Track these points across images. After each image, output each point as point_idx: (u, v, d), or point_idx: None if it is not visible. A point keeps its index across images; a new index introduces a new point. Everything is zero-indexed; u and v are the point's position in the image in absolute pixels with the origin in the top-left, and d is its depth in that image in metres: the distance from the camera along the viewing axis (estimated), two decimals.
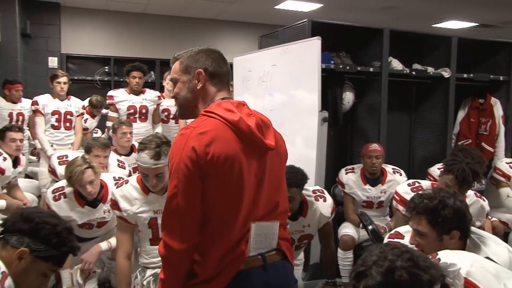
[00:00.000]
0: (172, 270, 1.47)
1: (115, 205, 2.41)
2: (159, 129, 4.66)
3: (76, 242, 1.60)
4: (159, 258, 1.54)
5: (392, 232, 2.04)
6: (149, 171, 2.23)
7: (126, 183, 2.43)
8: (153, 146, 2.21)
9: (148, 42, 7.90)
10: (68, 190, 2.77)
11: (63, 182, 2.85)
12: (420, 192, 1.89)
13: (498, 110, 4.25)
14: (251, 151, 1.48)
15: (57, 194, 2.76)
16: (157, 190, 2.32)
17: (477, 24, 8.40)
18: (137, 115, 4.55)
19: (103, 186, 2.85)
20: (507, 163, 3.82)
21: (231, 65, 5.11)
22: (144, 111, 4.59)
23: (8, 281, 1.36)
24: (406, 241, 1.83)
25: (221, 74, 1.58)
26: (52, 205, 2.72)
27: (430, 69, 4.02)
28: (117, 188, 2.44)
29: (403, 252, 1.12)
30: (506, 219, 3.69)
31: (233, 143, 1.44)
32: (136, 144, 4.03)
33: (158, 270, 2.30)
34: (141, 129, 4.55)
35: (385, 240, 2.02)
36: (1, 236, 1.48)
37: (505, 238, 3.57)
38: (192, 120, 1.56)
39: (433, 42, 4.16)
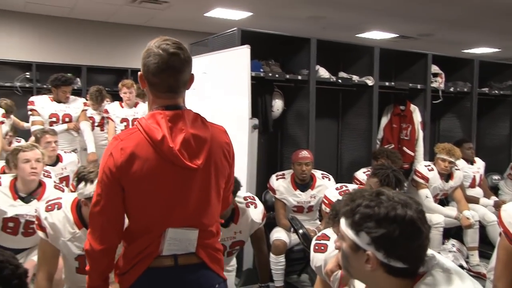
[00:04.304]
0: (93, 265, 1.60)
1: (40, 226, 2.14)
2: (86, 135, 4.56)
3: None
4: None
5: (319, 234, 2.10)
6: None
7: (58, 209, 2.15)
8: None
9: (74, 48, 7.59)
10: (5, 180, 2.68)
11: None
12: (341, 197, 1.95)
13: (417, 116, 4.52)
14: (171, 169, 1.50)
15: None
16: None
17: (397, 35, 8.91)
18: (59, 123, 4.39)
19: (41, 184, 2.75)
20: (426, 166, 4.07)
21: None
22: (67, 119, 4.45)
23: None
24: (332, 242, 1.88)
25: (155, 83, 1.53)
26: None
27: (355, 77, 4.20)
28: (46, 211, 2.15)
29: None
30: None
31: (152, 162, 1.48)
32: (62, 153, 3.90)
33: None
34: (66, 137, 4.46)
35: (313, 242, 2.08)
36: None
37: None
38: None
39: (357, 52, 4.35)
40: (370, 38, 9.05)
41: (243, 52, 3.26)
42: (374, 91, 4.18)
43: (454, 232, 4.30)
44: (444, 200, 4.43)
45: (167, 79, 1.51)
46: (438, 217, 3.86)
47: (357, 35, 8.89)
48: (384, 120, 4.63)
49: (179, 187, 1.52)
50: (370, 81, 4.16)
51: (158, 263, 1.54)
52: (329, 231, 2.04)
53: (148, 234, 1.54)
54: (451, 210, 4.05)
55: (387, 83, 4.37)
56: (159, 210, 1.53)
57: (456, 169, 4.14)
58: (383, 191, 1.22)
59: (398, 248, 1.16)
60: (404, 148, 4.51)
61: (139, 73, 1.57)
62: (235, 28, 3.63)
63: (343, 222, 1.24)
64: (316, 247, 2.03)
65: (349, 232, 1.21)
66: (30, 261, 2.58)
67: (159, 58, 1.49)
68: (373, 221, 1.16)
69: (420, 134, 4.52)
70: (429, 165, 4.07)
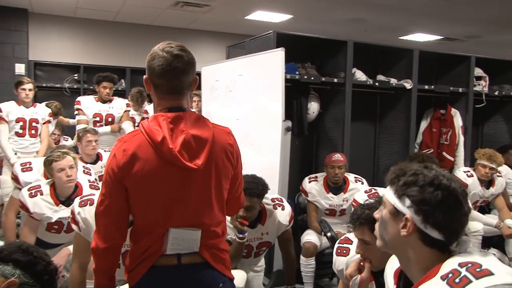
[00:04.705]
0: (98, 263, 1.66)
1: (74, 220, 2.26)
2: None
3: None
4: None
5: (342, 237, 2.10)
6: None
7: (90, 205, 2.24)
8: None
9: (119, 50, 7.87)
10: (45, 188, 2.83)
11: (39, 182, 2.93)
12: (363, 203, 1.94)
13: (458, 121, 4.40)
14: (172, 170, 1.54)
15: (33, 191, 2.80)
16: None
17: (442, 37, 8.66)
18: (103, 123, 4.57)
19: (77, 187, 2.90)
20: (465, 171, 3.94)
21: (199, 74, 5.10)
22: (110, 119, 4.63)
23: None
24: (354, 246, 1.88)
25: (159, 84, 1.58)
26: (27, 201, 2.76)
27: (393, 80, 4.13)
28: (79, 206, 2.26)
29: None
30: None
31: (153, 163, 1.53)
32: (102, 152, 4.06)
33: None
34: (107, 137, 4.61)
35: (336, 245, 2.07)
36: None
37: None
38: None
39: (396, 55, 4.28)
40: (413, 41, 8.84)
41: (277, 55, 3.28)
42: (412, 94, 4.09)
43: (495, 241, 4.14)
44: (485, 207, 4.29)
45: (171, 80, 1.56)
46: (477, 224, 3.74)
47: (400, 37, 8.71)
48: (424, 124, 4.53)
49: (179, 187, 1.56)
50: (408, 84, 4.08)
51: (162, 261, 1.59)
52: (352, 235, 2.03)
53: (151, 234, 1.58)
54: (492, 218, 3.91)
55: (426, 87, 4.27)
56: (160, 210, 1.57)
57: (498, 176, 3.99)
58: (431, 165, 1.24)
59: (437, 215, 1.16)
60: (444, 153, 4.40)
61: (144, 76, 1.62)
62: (271, 31, 3.65)
63: (387, 189, 1.27)
64: (339, 251, 2.03)
65: (391, 197, 1.24)
66: (66, 249, 2.73)
67: (163, 60, 1.54)
68: (417, 186, 1.19)
69: (461, 139, 4.39)
70: (468, 171, 3.94)
